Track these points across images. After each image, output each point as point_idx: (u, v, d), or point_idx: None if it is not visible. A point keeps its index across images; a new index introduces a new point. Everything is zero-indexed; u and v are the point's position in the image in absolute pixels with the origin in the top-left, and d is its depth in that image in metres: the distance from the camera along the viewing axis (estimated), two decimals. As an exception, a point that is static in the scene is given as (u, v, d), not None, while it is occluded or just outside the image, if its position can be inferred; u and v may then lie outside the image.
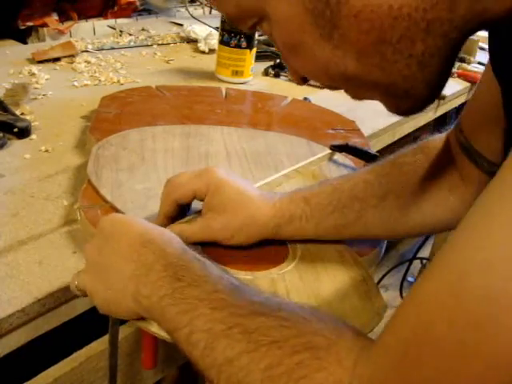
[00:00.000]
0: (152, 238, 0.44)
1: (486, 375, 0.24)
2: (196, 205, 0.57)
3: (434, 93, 0.38)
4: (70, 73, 1.06)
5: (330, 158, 0.77)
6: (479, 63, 1.30)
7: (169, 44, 1.33)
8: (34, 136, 0.78)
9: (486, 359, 0.24)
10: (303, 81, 0.42)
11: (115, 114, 0.82)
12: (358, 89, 0.39)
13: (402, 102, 0.39)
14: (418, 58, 0.34)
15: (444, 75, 0.37)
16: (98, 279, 0.44)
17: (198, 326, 0.37)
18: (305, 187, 0.58)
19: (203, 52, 1.28)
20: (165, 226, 0.54)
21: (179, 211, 0.55)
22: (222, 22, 1.06)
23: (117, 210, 0.58)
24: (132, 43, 1.29)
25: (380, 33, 0.33)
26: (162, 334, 0.42)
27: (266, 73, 1.18)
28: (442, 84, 0.37)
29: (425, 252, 1.74)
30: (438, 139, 0.58)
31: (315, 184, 0.59)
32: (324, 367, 0.31)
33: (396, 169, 0.57)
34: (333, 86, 0.41)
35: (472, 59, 1.31)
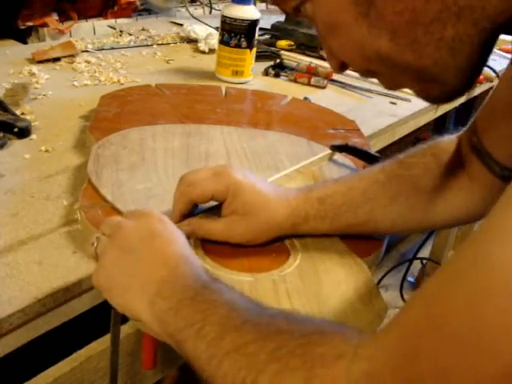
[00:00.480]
0: (193, 260, 0.45)
1: (501, 376, 0.24)
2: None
3: (465, 83, 0.39)
4: (70, 73, 1.06)
5: (330, 158, 0.77)
6: (479, 63, 1.30)
7: (169, 44, 1.33)
8: (33, 136, 0.77)
9: (500, 359, 0.24)
10: (341, 67, 0.43)
11: (115, 113, 0.82)
12: (391, 72, 0.40)
13: (433, 88, 0.40)
14: (449, 42, 0.35)
15: (476, 67, 0.38)
16: (121, 259, 0.44)
17: (211, 321, 0.38)
18: (320, 185, 0.60)
19: (203, 52, 1.28)
20: (178, 222, 0.55)
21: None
22: (222, 22, 1.06)
23: (117, 210, 0.58)
24: (132, 43, 1.29)
25: (413, 14, 0.35)
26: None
27: (266, 73, 1.18)
28: (473, 76, 0.38)
29: (425, 252, 1.74)
30: (446, 141, 0.59)
31: (330, 181, 0.60)
32: (327, 342, 0.32)
33: (405, 170, 0.58)
34: (368, 71, 0.42)
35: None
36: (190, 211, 0.56)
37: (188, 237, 0.53)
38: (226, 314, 0.38)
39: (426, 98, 0.42)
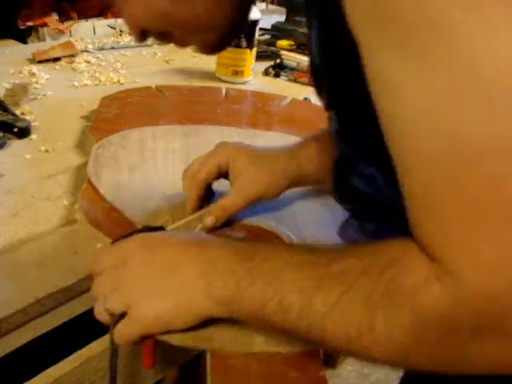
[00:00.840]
0: (206, 237, 0.45)
1: None
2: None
3: (235, 28, 0.46)
4: (70, 73, 1.06)
5: (330, 158, 0.77)
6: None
7: (169, 44, 1.33)
8: (33, 136, 0.78)
9: None
10: (142, 35, 0.48)
11: (115, 114, 0.82)
12: (175, 28, 0.46)
13: (210, 37, 0.46)
14: None
15: (241, 12, 0.46)
16: (150, 294, 0.41)
17: (286, 290, 0.36)
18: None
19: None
20: (199, 208, 0.57)
21: (207, 194, 0.58)
22: (222, 21, 1.06)
23: (117, 210, 0.58)
24: (132, 43, 1.29)
25: None
26: (163, 336, 0.42)
27: (266, 73, 1.18)
28: (241, 20, 0.47)
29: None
30: None
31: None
32: (409, 271, 0.32)
33: None
34: (161, 34, 0.47)
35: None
36: (204, 196, 0.57)
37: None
38: (295, 279, 0.36)
39: (206, 48, 0.48)
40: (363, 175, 0.48)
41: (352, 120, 0.43)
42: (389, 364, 0.35)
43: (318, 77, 0.46)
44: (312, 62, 0.46)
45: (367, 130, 0.40)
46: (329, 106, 0.47)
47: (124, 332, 0.41)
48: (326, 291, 0.35)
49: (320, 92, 0.48)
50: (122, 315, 0.41)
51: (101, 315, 0.42)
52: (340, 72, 0.41)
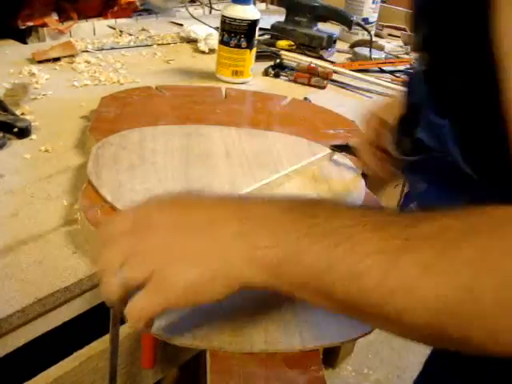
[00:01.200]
0: (247, 196, 0.40)
1: None
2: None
3: None
4: (70, 73, 1.06)
5: (330, 158, 0.77)
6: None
7: (169, 44, 1.33)
8: (34, 136, 0.78)
9: None
10: None
11: (115, 114, 0.82)
12: None
13: None
14: None
15: None
16: (178, 258, 0.34)
17: (362, 252, 0.31)
18: None
19: (203, 52, 1.29)
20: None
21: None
22: (222, 22, 1.06)
23: (117, 211, 0.58)
24: (132, 43, 1.29)
25: None
26: (163, 336, 0.42)
27: (266, 73, 1.18)
28: None
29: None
30: None
31: None
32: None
33: None
34: None
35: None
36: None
37: None
38: (375, 239, 0.31)
39: None
40: (431, 126, 0.42)
41: (445, 66, 0.38)
42: (479, 351, 0.29)
43: (419, 15, 0.41)
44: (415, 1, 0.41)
45: (460, 79, 0.35)
46: (422, 45, 0.42)
47: (143, 306, 0.34)
48: (418, 251, 0.30)
49: (415, 30, 0.42)
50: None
51: (111, 290, 0.35)
52: (447, 15, 0.35)
